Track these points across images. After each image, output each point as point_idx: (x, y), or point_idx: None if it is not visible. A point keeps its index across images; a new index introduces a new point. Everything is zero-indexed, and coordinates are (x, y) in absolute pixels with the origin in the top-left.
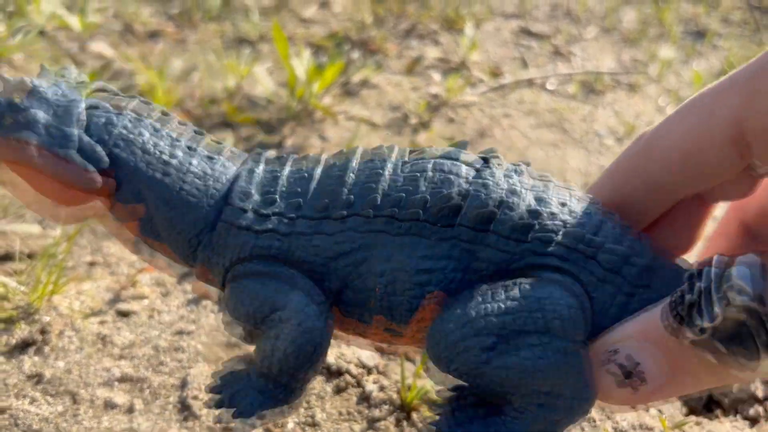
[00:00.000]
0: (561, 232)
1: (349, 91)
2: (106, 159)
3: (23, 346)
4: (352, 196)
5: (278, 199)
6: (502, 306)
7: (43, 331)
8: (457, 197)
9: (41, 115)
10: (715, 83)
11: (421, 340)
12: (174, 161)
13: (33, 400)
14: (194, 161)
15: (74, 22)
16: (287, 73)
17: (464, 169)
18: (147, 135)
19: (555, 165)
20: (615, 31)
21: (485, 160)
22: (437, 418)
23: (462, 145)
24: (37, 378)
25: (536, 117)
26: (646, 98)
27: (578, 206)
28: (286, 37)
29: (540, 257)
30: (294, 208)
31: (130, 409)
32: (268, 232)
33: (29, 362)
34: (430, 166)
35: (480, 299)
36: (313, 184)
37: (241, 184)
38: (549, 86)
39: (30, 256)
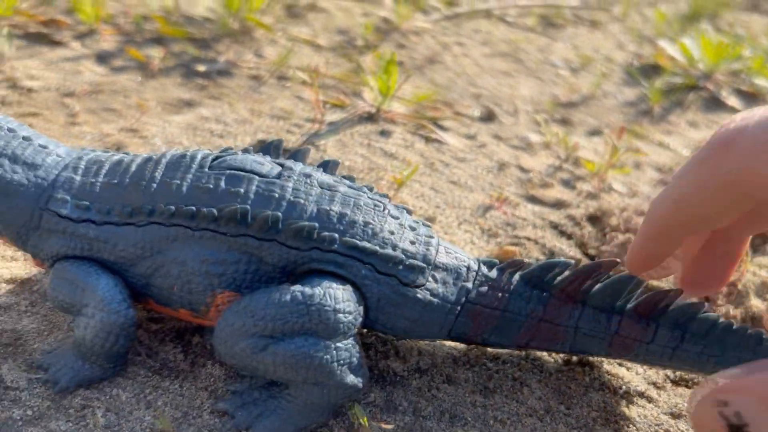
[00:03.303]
0: (338, 241)
1: (295, 14)
2: None
3: None
4: (152, 205)
5: (89, 204)
6: (275, 312)
7: None
8: (243, 209)
9: None
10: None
11: None
12: (7, 152)
13: None
14: (27, 152)
15: None
16: None
17: (256, 181)
18: None
19: (505, 93)
20: None
21: (280, 169)
22: (226, 398)
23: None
24: None
25: (491, 46)
26: (608, 35)
27: (359, 214)
28: None
29: (319, 263)
30: (104, 213)
31: None
32: (83, 226)
33: None
34: (224, 177)
35: (258, 303)
36: (123, 189)
37: (66, 174)
38: (507, 18)
39: None
